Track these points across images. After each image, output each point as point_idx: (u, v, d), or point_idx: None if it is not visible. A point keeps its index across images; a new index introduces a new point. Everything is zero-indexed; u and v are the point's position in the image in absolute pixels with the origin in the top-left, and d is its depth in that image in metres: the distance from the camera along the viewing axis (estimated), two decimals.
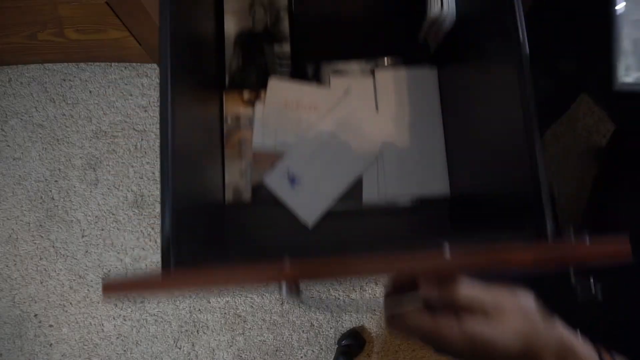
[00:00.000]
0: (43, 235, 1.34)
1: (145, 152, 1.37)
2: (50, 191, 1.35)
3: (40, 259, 1.33)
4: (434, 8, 0.77)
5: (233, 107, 0.85)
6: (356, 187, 0.83)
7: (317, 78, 0.88)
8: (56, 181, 1.36)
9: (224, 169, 0.83)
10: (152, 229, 1.35)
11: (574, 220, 1.22)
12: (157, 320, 1.32)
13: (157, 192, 1.36)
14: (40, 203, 1.35)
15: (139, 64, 1.40)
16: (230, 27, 0.88)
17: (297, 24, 0.89)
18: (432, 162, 0.84)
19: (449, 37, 0.79)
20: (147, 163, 1.37)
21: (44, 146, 1.37)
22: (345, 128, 0.84)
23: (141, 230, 1.34)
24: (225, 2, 0.88)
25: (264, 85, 0.85)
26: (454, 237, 0.81)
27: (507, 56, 0.58)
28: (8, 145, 1.37)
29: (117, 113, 1.38)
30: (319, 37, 0.90)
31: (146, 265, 1.33)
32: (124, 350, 1.31)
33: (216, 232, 0.78)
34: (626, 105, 0.76)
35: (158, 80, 1.33)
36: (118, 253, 1.33)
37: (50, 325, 1.31)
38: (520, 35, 0.56)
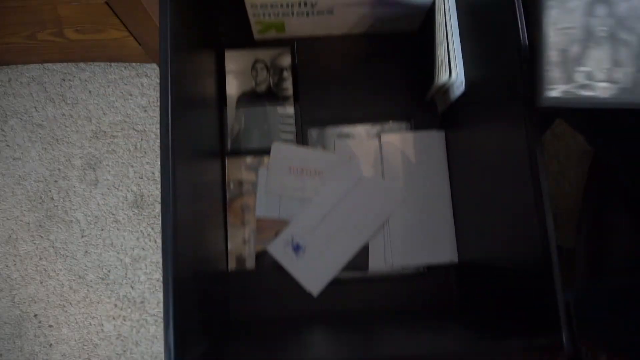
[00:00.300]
0: (43, 235, 1.34)
1: (145, 152, 1.37)
2: (50, 191, 1.35)
3: (40, 259, 1.33)
4: (442, 76, 0.76)
5: (235, 172, 0.83)
6: (362, 253, 0.82)
7: (321, 142, 0.86)
8: (56, 181, 1.35)
9: (226, 235, 0.82)
10: (152, 228, 1.35)
11: (572, 220, 1.22)
12: (157, 320, 1.31)
13: (157, 192, 1.35)
14: (40, 203, 1.35)
15: (138, 63, 1.40)
16: (232, 88, 0.86)
17: (301, 85, 0.87)
18: (440, 229, 0.82)
19: (458, 101, 0.78)
20: (147, 163, 1.37)
21: (44, 146, 1.37)
22: (351, 194, 0.82)
23: (141, 230, 1.34)
24: (227, 62, 0.86)
25: (267, 149, 0.84)
26: (462, 311, 0.81)
27: (517, 123, 0.57)
28: (8, 145, 1.37)
29: (116, 113, 1.38)
30: (323, 99, 0.88)
31: (146, 266, 1.33)
32: (124, 351, 1.30)
33: (220, 302, 0.77)
34: (600, 128, 0.76)
35: (157, 81, 1.33)
36: (118, 253, 1.33)
37: (50, 326, 1.31)
38: (532, 106, 0.55)
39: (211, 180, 0.77)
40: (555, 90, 0.51)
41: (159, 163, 1.36)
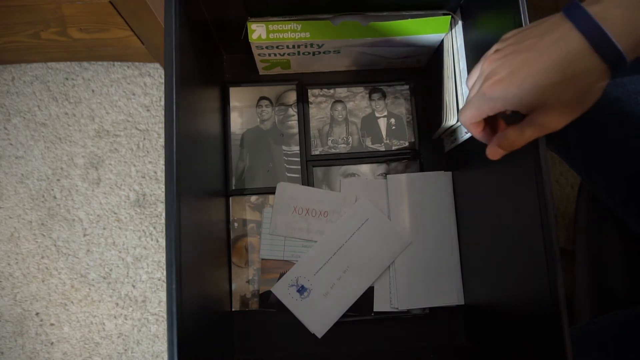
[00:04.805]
0: (45, 233, 1.34)
1: (148, 152, 1.37)
2: (52, 190, 1.35)
3: (42, 257, 1.34)
4: (450, 119, 0.75)
5: (239, 211, 0.82)
6: (367, 295, 0.81)
7: (327, 181, 0.85)
8: (58, 180, 1.36)
9: (230, 275, 0.81)
10: (154, 228, 1.35)
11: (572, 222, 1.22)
12: (158, 319, 1.32)
13: (159, 192, 1.35)
14: (42, 202, 1.35)
15: (142, 63, 1.40)
16: (236, 125, 0.85)
17: (307, 123, 0.86)
18: (446, 272, 0.81)
19: (466, 141, 0.77)
20: (150, 162, 1.37)
21: (47, 145, 1.37)
22: (357, 236, 0.81)
23: (143, 230, 1.34)
24: (231, 98, 0.85)
25: (272, 188, 0.83)
26: (468, 352, 0.80)
27: (526, 167, 0.57)
28: (11, 144, 1.37)
29: (119, 112, 1.38)
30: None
31: (147, 265, 1.33)
32: (125, 350, 1.31)
33: (224, 342, 0.76)
34: (582, 156, 0.75)
35: (160, 80, 1.32)
36: (120, 252, 1.34)
37: (52, 324, 1.32)
38: (540, 147, 0.55)
39: (215, 220, 0.75)
40: (317, 150, 0.86)
41: (161, 162, 1.37)
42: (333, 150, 0.85)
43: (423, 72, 0.89)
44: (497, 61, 0.48)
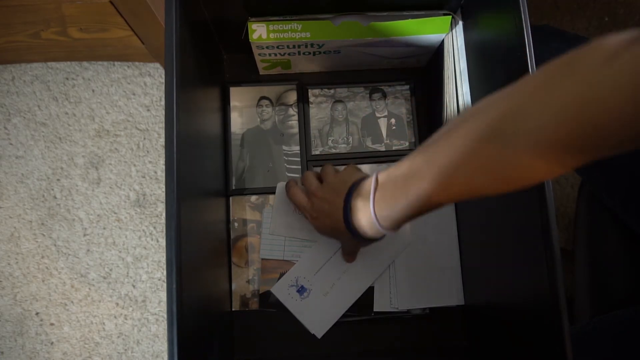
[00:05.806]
0: (45, 233, 1.34)
1: (148, 151, 1.37)
2: (53, 189, 1.35)
3: (42, 257, 1.34)
4: (450, 119, 0.75)
5: (239, 211, 0.82)
6: (367, 295, 0.81)
7: None
8: (58, 179, 1.36)
9: (230, 275, 0.81)
10: (154, 227, 1.35)
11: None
12: (158, 319, 1.32)
13: (159, 191, 1.36)
14: (42, 201, 1.35)
15: (142, 63, 1.40)
16: (237, 125, 0.85)
17: (307, 123, 0.86)
18: (447, 272, 0.81)
19: None
20: (150, 162, 1.37)
21: (47, 144, 1.37)
22: None
23: (143, 230, 1.34)
24: (232, 98, 0.85)
25: (272, 188, 0.83)
26: (468, 352, 0.80)
27: None
28: (11, 144, 1.37)
29: (119, 112, 1.38)
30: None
31: (147, 265, 1.33)
32: (125, 349, 1.31)
33: (224, 342, 0.76)
34: None
35: (160, 80, 1.32)
36: (120, 252, 1.34)
37: (52, 324, 1.32)
38: None
39: (215, 220, 0.75)
40: (317, 150, 0.86)
41: (161, 162, 1.37)
42: (333, 150, 0.85)
43: (423, 72, 0.89)
44: (311, 205, 0.71)
